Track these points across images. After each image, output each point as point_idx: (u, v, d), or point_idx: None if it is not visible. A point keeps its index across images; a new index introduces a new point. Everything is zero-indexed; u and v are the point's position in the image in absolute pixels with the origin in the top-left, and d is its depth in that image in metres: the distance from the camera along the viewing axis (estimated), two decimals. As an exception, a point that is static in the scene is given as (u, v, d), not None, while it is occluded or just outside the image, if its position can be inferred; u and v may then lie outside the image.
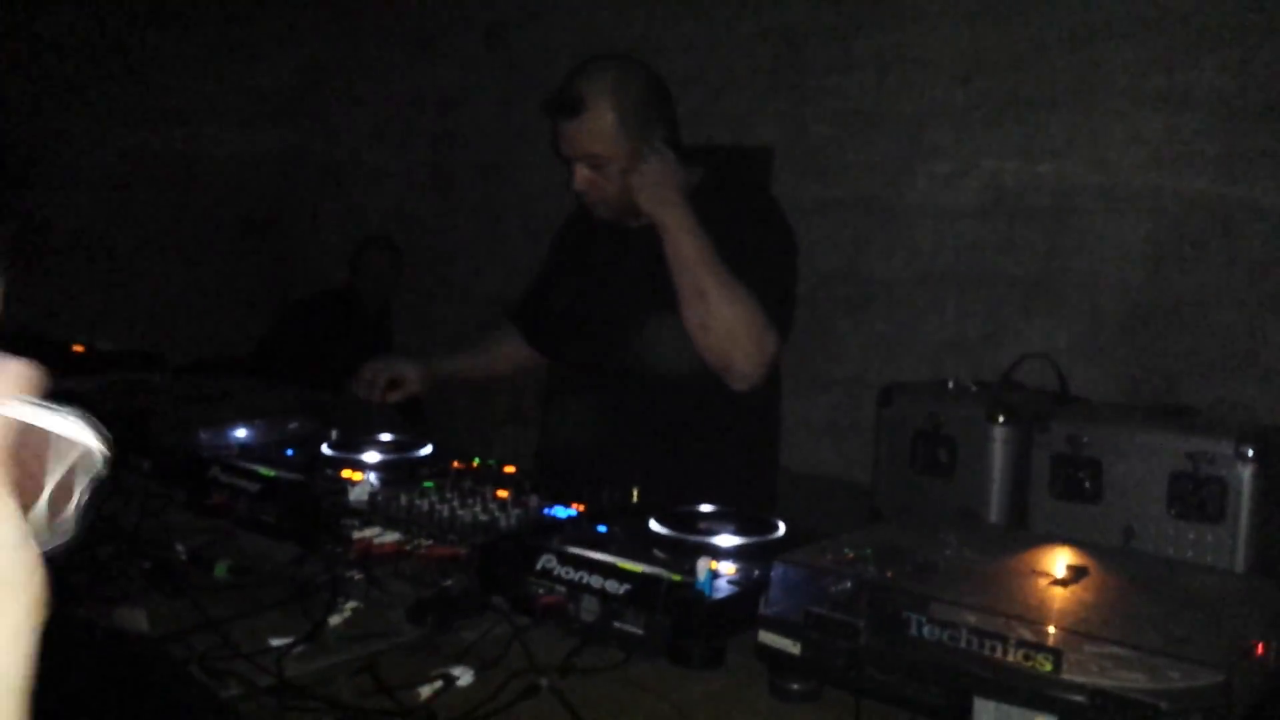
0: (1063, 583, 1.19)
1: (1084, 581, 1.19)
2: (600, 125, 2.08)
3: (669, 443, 2.17)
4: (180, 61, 5.15)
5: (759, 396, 2.21)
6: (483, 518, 1.55)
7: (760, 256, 2.16)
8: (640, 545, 1.45)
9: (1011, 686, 1.04)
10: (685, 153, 2.21)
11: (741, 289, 2.07)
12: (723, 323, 2.05)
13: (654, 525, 1.50)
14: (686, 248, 2.05)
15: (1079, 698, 1.00)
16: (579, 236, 2.41)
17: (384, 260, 4.71)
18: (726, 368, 2.11)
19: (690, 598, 1.30)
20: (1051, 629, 1.05)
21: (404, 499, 1.61)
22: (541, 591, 1.38)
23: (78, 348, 2.62)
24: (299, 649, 1.28)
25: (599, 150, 2.10)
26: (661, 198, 2.07)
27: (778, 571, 1.22)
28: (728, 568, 1.39)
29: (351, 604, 1.41)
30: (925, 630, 1.10)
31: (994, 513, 2.60)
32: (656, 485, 1.73)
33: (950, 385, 2.95)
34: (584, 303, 2.30)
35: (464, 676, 1.22)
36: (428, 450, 1.92)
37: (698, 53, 4.10)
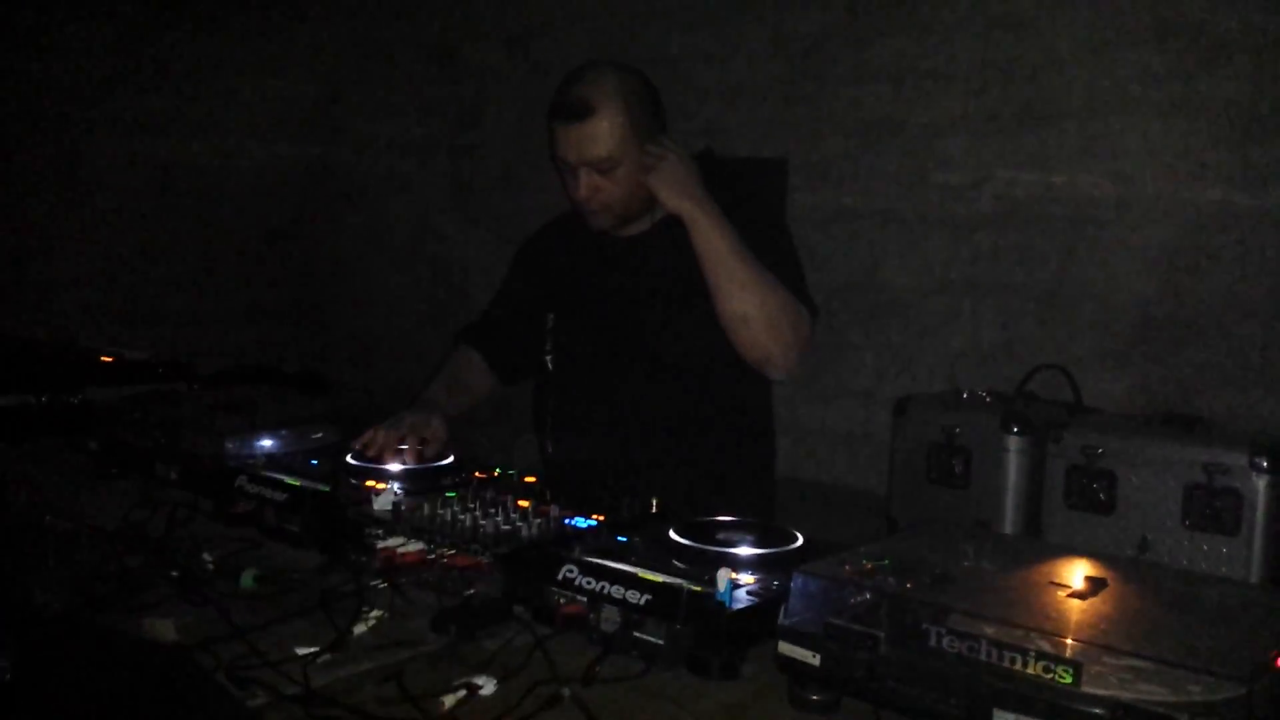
0: (1081, 595, 1.19)
1: (1103, 593, 1.19)
2: (610, 128, 2.07)
3: (664, 450, 2.17)
4: (203, 73, 5.18)
5: (754, 399, 2.24)
6: (505, 527, 1.57)
7: (774, 240, 2.16)
8: (660, 555, 1.46)
9: (1031, 699, 1.04)
10: None
11: (773, 277, 2.06)
12: (764, 313, 2.04)
13: (674, 536, 1.51)
14: (720, 240, 2.03)
15: (1099, 710, 1.00)
16: (558, 257, 2.37)
17: None
18: (767, 358, 2.09)
19: (710, 608, 1.30)
20: (1071, 641, 1.05)
21: (427, 509, 1.62)
22: (563, 601, 1.39)
23: (106, 358, 2.65)
24: (324, 658, 1.29)
25: (608, 153, 2.08)
26: (688, 193, 2.06)
27: (797, 582, 1.23)
28: (747, 578, 1.40)
29: (376, 613, 1.42)
30: (945, 642, 1.10)
31: (1008, 524, 2.60)
32: (663, 496, 1.72)
33: (965, 396, 2.96)
34: (578, 316, 2.28)
35: (487, 686, 1.23)
36: (450, 460, 1.93)
37: (713, 63, 4.11)
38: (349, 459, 1.89)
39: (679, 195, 2.06)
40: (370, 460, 1.91)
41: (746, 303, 2.04)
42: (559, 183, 2.23)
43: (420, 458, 1.94)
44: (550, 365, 2.31)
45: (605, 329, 2.25)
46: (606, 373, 2.24)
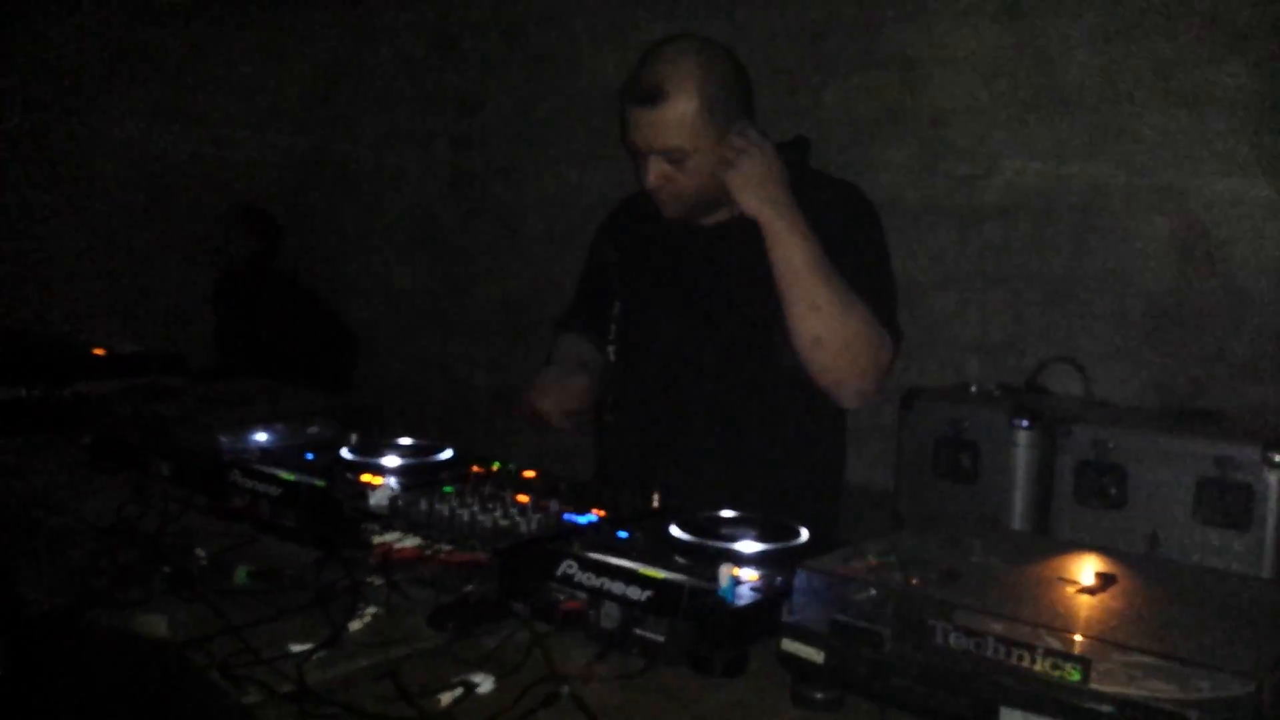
0: (1090, 590, 1.18)
1: (1112, 589, 1.18)
2: (683, 115, 1.89)
3: (737, 453, 2.05)
4: (198, 63, 5.17)
5: (825, 408, 2.07)
6: (503, 523, 1.55)
7: (865, 256, 1.99)
8: (662, 551, 1.44)
9: (1038, 696, 1.03)
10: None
11: (855, 298, 1.90)
12: (838, 338, 1.89)
13: (675, 531, 1.49)
14: (798, 254, 1.87)
15: (1107, 708, 1.00)
16: (634, 238, 2.22)
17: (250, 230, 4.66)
18: (839, 384, 1.95)
19: (712, 605, 1.29)
20: (1079, 638, 1.04)
21: (424, 504, 1.60)
22: (562, 598, 1.37)
23: (98, 351, 2.63)
24: (319, 655, 1.28)
25: (680, 143, 1.91)
26: (768, 195, 1.89)
27: (801, 578, 1.21)
28: (750, 574, 1.38)
29: (372, 609, 1.40)
30: (951, 639, 1.09)
31: (1017, 519, 2.59)
32: (722, 496, 1.65)
33: (973, 389, 2.94)
34: (651, 307, 2.15)
35: (484, 683, 1.22)
36: (448, 454, 1.91)
37: (717, 53, 4.09)
38: (345, 453, 1.87)
39: (757, 198, 1.90)
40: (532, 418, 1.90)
41: (820, 325, 1.88)
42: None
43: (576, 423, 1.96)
44: (612, 355, 2.18)
45: (672, 322, 2.11)
46: (671, 368, 2.12)
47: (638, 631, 1.31)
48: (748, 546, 1.46)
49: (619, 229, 2.30)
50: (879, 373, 1.95)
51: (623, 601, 1.32)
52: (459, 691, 1.20)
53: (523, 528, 1.54)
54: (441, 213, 5.18)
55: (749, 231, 1.97)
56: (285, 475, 1.75)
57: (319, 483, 1.72)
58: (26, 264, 4.72)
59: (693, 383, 2.09)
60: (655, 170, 1.96)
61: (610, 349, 2.19)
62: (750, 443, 2.07)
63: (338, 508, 1.63)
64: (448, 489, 1.69)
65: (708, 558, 1.40)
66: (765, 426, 2.06)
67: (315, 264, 5.40)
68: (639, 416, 2.17)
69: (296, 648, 1.28)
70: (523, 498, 1.64)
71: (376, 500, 1.63)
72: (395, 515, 1.59)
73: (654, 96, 1.90)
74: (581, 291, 2.34)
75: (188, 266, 5.03)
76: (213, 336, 4.74)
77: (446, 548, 1.49)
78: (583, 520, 1.59)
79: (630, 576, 1.34)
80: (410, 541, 1.52)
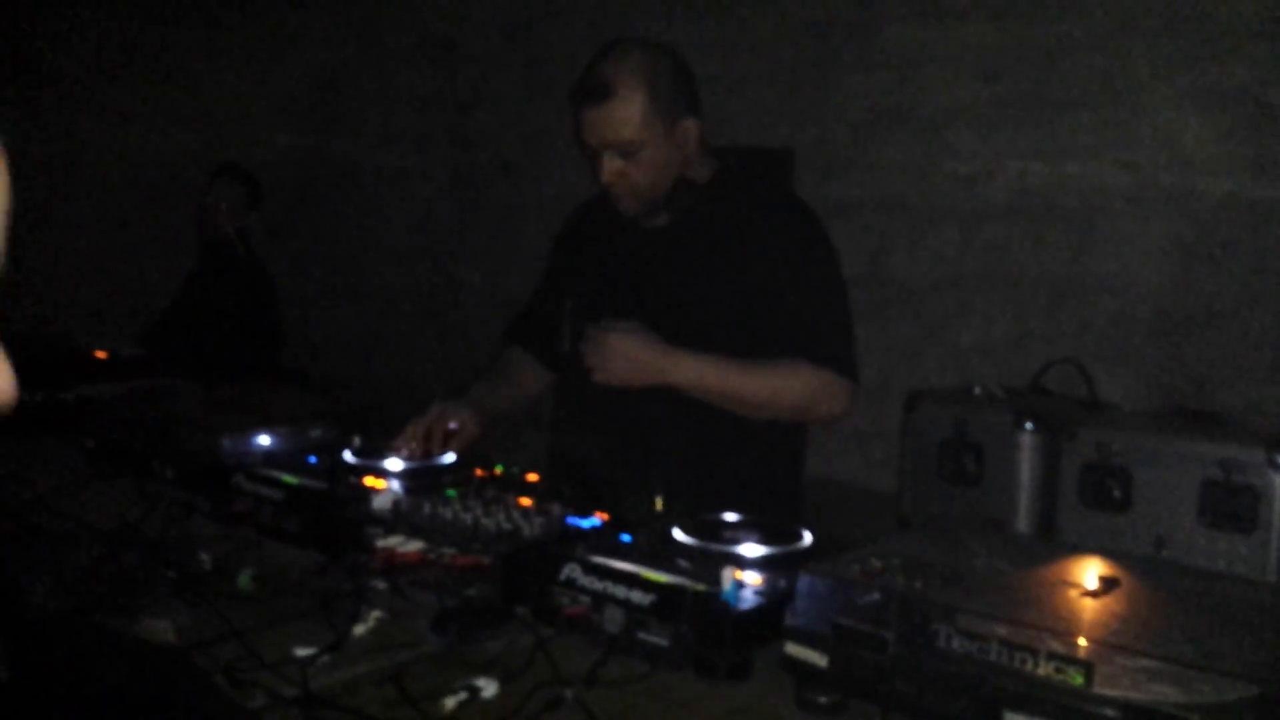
0: (1094, 594, 1.17)
1: (1115, 593, 1.18)
2: (632, 109, 2.00)
3: (692, 450, 2.11)
4: (198, 64, 5.17)
5: None
6: (506, 526, 1.55)
7: (807, 298, 2.08)
8: (665, 555, 1.44)
9: (1042, 700, 1.03)
10: (707, 146, 2.13)
11: (786, 369, 2.03)
12: (782, 409, 2.07)
13: (679, 535, 1.49)
14: (707, 383, 2.02)
15: (1110, 712, 1.00)
16: (586, 240, 2.32)
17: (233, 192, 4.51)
18: (810, 424, 2.19)
19: (715, 609, 1.29)
20: (1083, 641, 1.04)
21: (427, 507, 1.60)
22: (565, 602, 1.37)
23: (100, 354, 2.63)
24: (323, 659, 1.28)
25: (631, 135, 2.01)
26: (645, 374, 1.99)
27: (804, 582, 1.21)
28: (753, 578, 1.38)
29: (375, 614, 1.40)
30: (954, 642, 1.09)
31: (1022, 521, 2.58)
32: (676, 493, 1.68)
33: (977, 391, 2.93)
34: (600, 308, 2.19)
35: (488, 688, 1.22)
36: (451, 458, 1.91)
37: (718, 51, 4.08)
38: (348, 456, 1.87)
39: (646, 375, 2.00)
40: (411, 457, 1.91)
41: (761, 410, 2.05)
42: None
43: (445, 446, 1.98)
44: (567, 346, 2.23)
45: (620, 319, 2.15)
46: None
47: (641, 635, 1.31)
48: (751, 550, 1.46)
49: (574, 231, 2.39)
50: (841, 407, 2.07)
51: (626, 605, 1.32)
52: (463, 696, 1.20)
53: (526, 531, 1.54)
54: (441, 213, 5.18)
55: (695, 233, 2.10)
56: (288, 479, 1.75)
57: (321, 487, 1.72)
58: (27, 266, 4.71)
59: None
60: (610, 166, 2.04)
61: (564, 344, 2.25)
62: (702, 439, 2.12)
63: (341, 512, 1.63)
64: (451, 492, 1.69)
65: (711, 561, 1.40)
66: (716, 423, 2.11)
67: (316, 263, 5.40)
68: (588, 410, 2.21)
69: (300, 652, 1.28)
70: (525, 501, 1.64)
71: (379, 504, 1.63)
72: (398, 519, 1.59)
73: (603, 93, 2.00)
74: (534, 300, 2.42)
75: (191, 267, 5.01)
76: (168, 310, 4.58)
77: (450, 551, 1.49)
78: (586, 524, 1.59)
79: (633, 580, 1.34)
80: (413, 545, 1.52)
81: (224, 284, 4.40)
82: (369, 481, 1.75)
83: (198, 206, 4.41)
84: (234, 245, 4.42)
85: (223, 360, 3.42)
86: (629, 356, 2.00)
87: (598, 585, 1.36)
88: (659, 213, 2.11)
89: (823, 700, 1.20)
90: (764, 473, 2.17)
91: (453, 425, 2.05)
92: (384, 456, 1.87)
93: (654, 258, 2.15)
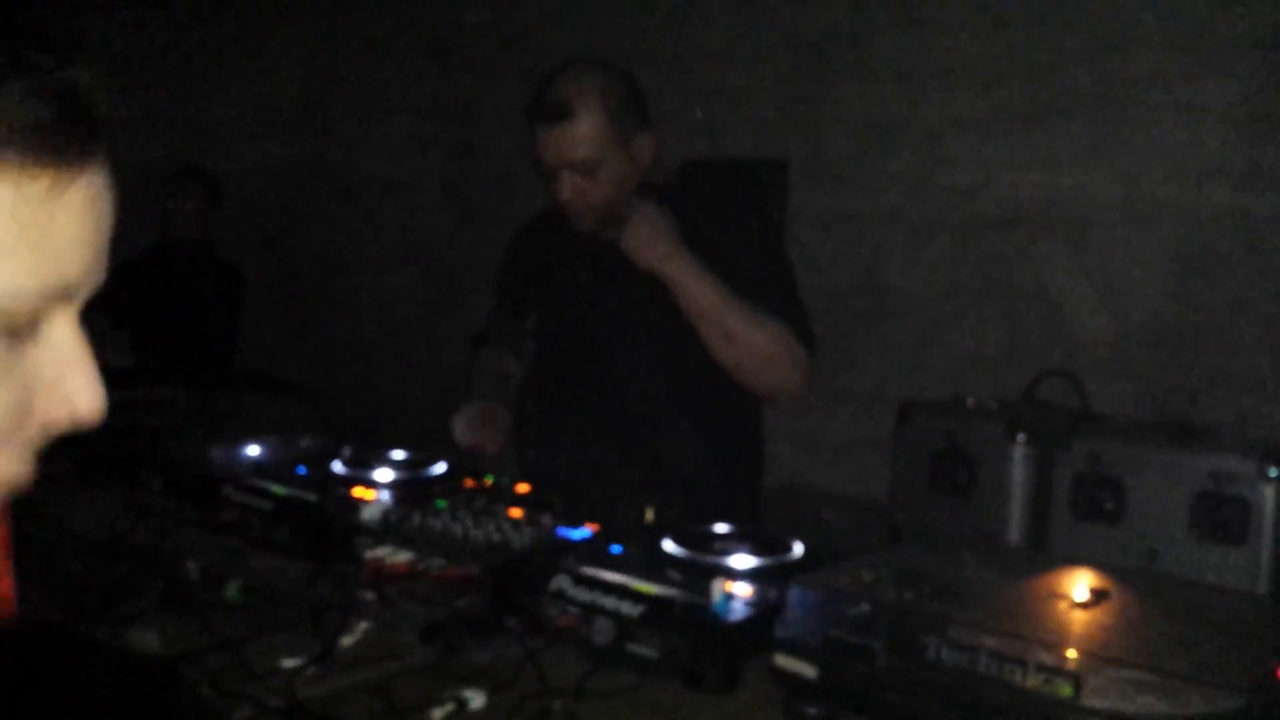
0: (1083, 606, 1.18)
1: (1105, 605, 1.18)
2: (590, 128, 2.02)
3: (653, 456, 2.15)
4: (192, 74, 5.16)
5: (741, 407, 2.20)
6: (496, 538, 1.55)
7: (764, 273, 2.12)
8: (655, 566, 1.44)
9: (1031, 711, 1.03)
10: (660, 157, 2.16)
11: (763, 315, 2.04)
12: (756, 355, 2.04)
13: (668, 546, 1.49)
14: (700, 296, 2.01)
15: (1100, 724, 1.00)
16: (543, 254, 2.34)
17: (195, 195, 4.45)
18: (769, 394, 2.12)
19: (705, 620, 1.29)
20: (1072, 653, 1.04)
21: (416, 518, 1.60)
22: (555, 613, 1.37)
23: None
24: (311, 670, 1.28)
25: (590, 154, 2.04)
26: (660, 253, 2.02)
27: (794, 594, 1.22)
28: (743, 589, 1.38)
29: (363, 625, 1.40)
30: (944, 654, 1.09)
31: (1014, 533, 2.58)
32: (641, 498, 1.70)
33: (969, 402, 2.93)
34: (563, 317, 2.25)
35: (476, 699, 1.22)
36: (441, 468, 1.91)
37: (714, 63, 4.09)
38: (337, 467, 1.87)
39: (651, 257, 2.02)
40: (471, 450, 2.01)
41: (735, 351, 2.03)
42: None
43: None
44: (527, 363, 2.30)
45: (583, 331, 2.22)
46: (583, 375, 2.22)
47: (631, 647, 1.31)
48: (741, 561, 1.46)
49: (528, 245, 2.42)
50: (802, 375, 2.10)
51: (616, 617, 1.32)
52: (451, 707, 1.20)
53: (515, 542, 1.53)
54: (436, 222, 5.18)
55: None
56: (277, 490, 1.75)
57: (310, 498, 1.72)
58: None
59: (606, 389, 2.18)
60: (568, 184, 2.07)
61: (524, 359, 2.30)
62: (664, 443, 2.16)
63: (329, 522, 1.63)
64: (440, 503, 1.69)
65: (701, 573, 1.40)
66: (678, 428, 2.15)
67: (309, 273, 5.39)
68: (556, 421, 2.25)
69: (288, 663, 1.28)
70: (516, 512, 1.64)
71: (368, 515, 1.63)
72: (387, 530, 1.59)
73: (561, 113, 2.03)
74: (497, 305, 2.45)
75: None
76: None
77: (439, 562, 1.50)
78: (576, 535, 1.59)
79: (623, 591, 1.34)
80: (402, 556, 1.52)
81: (197, 287, 4.38)
82: (358, 492, 1.75)
83: (160, 209, 4.39)
84: (206, 247, 4.42)
85: (213, 364, 3.39)
86: (658, 228, 2.02)
87: (587, 596, 1.36)
88: (616, 225, 2.12)
89: (812, 712, 1.20)
90: (722, 480, 2.19)
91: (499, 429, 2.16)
92: (374, 467, 1.87)
93: (615, 266, 2.14)
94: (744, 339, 2.02)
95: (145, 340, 4.08)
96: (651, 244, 2.02)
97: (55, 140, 0.60)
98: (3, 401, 0.62)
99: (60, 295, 0.63)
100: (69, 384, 0.66)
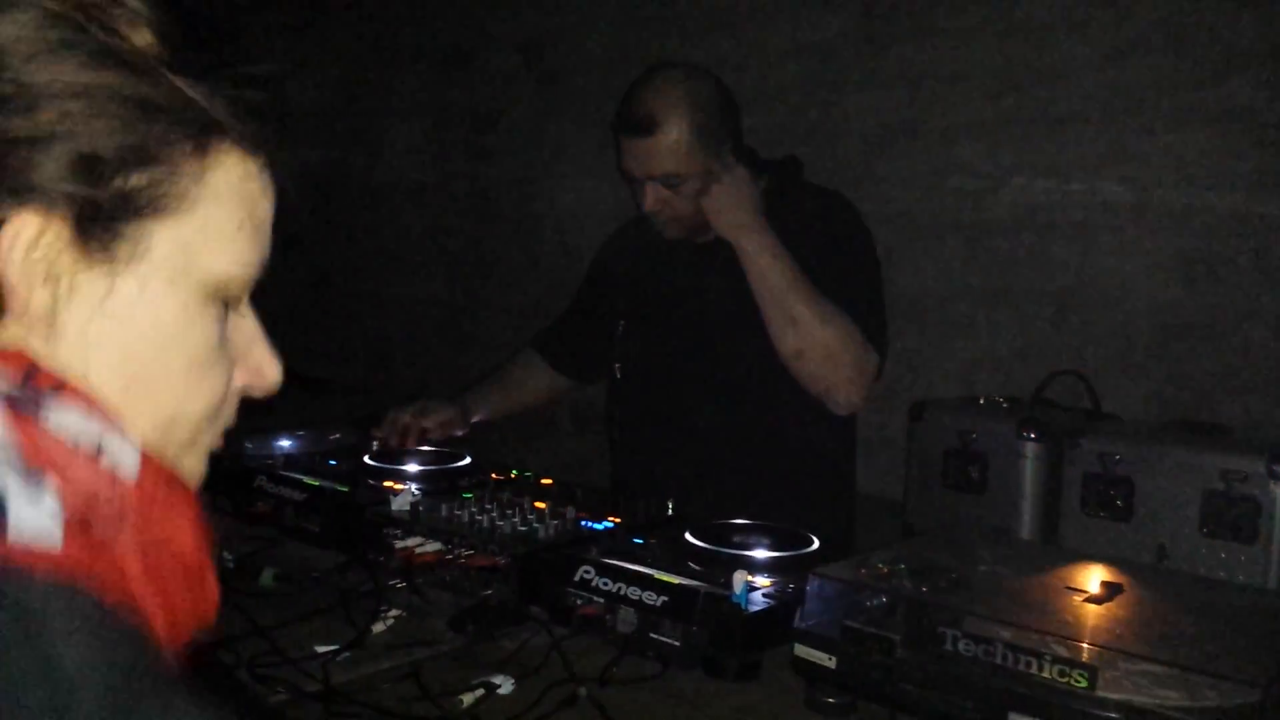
0: (1097, 599, 1.19)
1: (1118, 598, 1.20)
2: (675, 143, 1.96)
3: (745, 464, 2.09)
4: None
5: (830, 416, 2.11)
6: (521, 529, 1.58)
7: (848, 266, 2.06)
8: (677, 558, 1.47)
9: (1047, 703, 1.05)
10: (751, 159, 2.10)
11: (833, 308, 1.97)
12: (819, 348, 1.96)
13: (690, 538, 1.52)
14: (770, 272, 1.95)
15: (1114, 715, 1.01)
16: (631, 262, 2.28)
17: None
18: (826, 392, 2.02)
19: (726, 610, 1.31)
20: (1087, 645, 1.05)
21: (445, 509, 1.63)
22: (580, 602, 1.40)
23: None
24: (344, 656, 1.31)
25: (674, 169, 1.98)
26: (738, 221, 1.97)
27: (813, 585, 1.24)
28: (763, 581, 1.41)
29: (394, 612, 1.43)
30: (961, 645, 1.11)
31: (1025, 530, 2.59)
32: (733, 508, 1.68)
33: (981, 401, 2.95)
34: (653, 325, 2.19)
35: (504, 685, 1.25)
36: (467, 462, 1.94)
37: (728, 68, 4.08)
38: (367, 459, 1.90)
39: (729, 224, 1.97)
40: (391, 446, 2.00)
41: (799, 338, 1.96)
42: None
43: (423, 439, 2.12)
44: (619, 373, 2.24)
45: (674, 338, 2.16)
46: (675, 382, 2.16)
47: (653, 636, 1.33)
48: (761, 553, 1.49)
49: (616, 252, 2.37)
50: (865, 380, 2.03)
51: (639, 606, 1.35)
52: (480, 692, 1.23)
53: (541, 534, 1.56)
54: (458, 226, 5.21)
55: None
56: (309, 481, 1.78)
57: (342, 488, 1.75)
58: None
59: (697, 396, 2.13)
60: (652, 195, 2.02)
61: (616, 366, 2.25)
62: (757, 452, 2.10)
63: (360, 513, 1.66)
64: (467, 495, 1.72)
65: (722, 564, 1.43)
66: (771, 436, 2.09)
67: (335, 277, 5.43)
68: (647, 432, 2.21)
69: (321, 649, 1.31)
70: (540, 504, 1.67)
71: (398, 506, 1.66)
72: (416, 520, 1.62)
73: (646, 127, 1.96)
74: (568, 311, 2.43)
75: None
76: None
77: (467, 552, 1.52)
78: (599, 527, 1.62)
79: (646, 582, 1.37)
80: (431, 546, 1.55)
81: None
82: (388, 484, 1.78)
83: None
84: None
85: None
86: (742, 195, 1.99)
87: (611, 586, 1.39)
88: (704, 231, 2.08)
89: (831, 701, 1.22)
90: (818, 489, 2.15)
91: (427, 424, 2.16)
92: (403, 460, 1.91)
93: (706, 272, 2.12)
94: (809, 328, 1.95)
95: None
96: (732, 210, 1.98)
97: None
98: (223, 372, 0.66)
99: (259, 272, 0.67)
100: (256, 354, 0.70)
